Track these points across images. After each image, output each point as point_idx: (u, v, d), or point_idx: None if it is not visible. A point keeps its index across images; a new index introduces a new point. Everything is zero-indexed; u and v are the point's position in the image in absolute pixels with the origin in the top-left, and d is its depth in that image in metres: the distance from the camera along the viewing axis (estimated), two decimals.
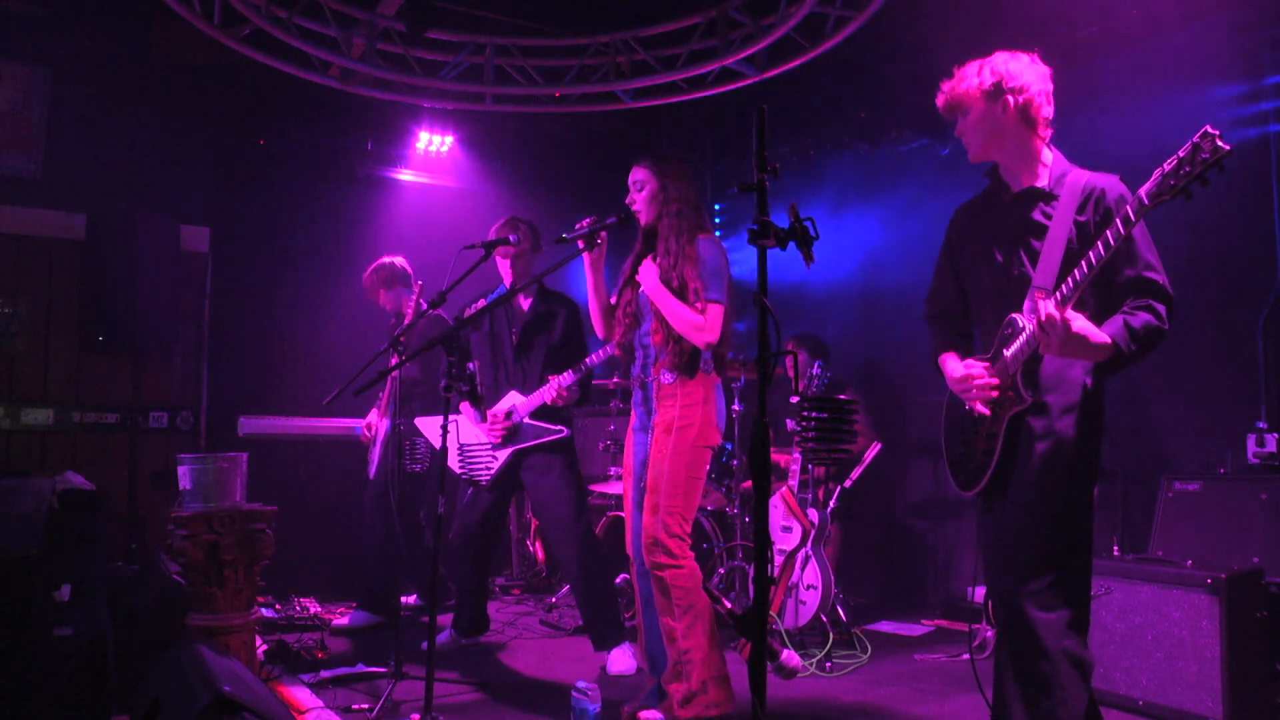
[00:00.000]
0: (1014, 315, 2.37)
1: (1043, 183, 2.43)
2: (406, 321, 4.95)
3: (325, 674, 3.84)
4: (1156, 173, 2.03)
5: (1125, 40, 4.57)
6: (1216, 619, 3.17)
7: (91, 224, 5.10)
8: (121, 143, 5.42)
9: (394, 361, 3.67)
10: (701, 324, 3.14)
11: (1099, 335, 2.18)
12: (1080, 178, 2.38)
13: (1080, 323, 2.15)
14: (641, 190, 3.30)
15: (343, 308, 6.06)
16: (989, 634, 4.17)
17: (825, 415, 4.39)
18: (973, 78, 2.41)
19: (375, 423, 5.14)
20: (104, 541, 3.16)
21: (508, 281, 4.33)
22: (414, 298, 4.96)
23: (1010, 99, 2.39)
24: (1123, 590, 3.46)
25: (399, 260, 5.20)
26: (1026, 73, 2.41)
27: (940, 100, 2.47)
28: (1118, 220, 2.11)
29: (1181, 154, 1.98)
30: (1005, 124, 2.41)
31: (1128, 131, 4.41)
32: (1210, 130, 1.95)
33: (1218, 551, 3.65)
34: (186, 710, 2.11)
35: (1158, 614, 3.34)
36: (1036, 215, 2.41)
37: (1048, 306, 2.16)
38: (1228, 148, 1.94)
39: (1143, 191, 2.06)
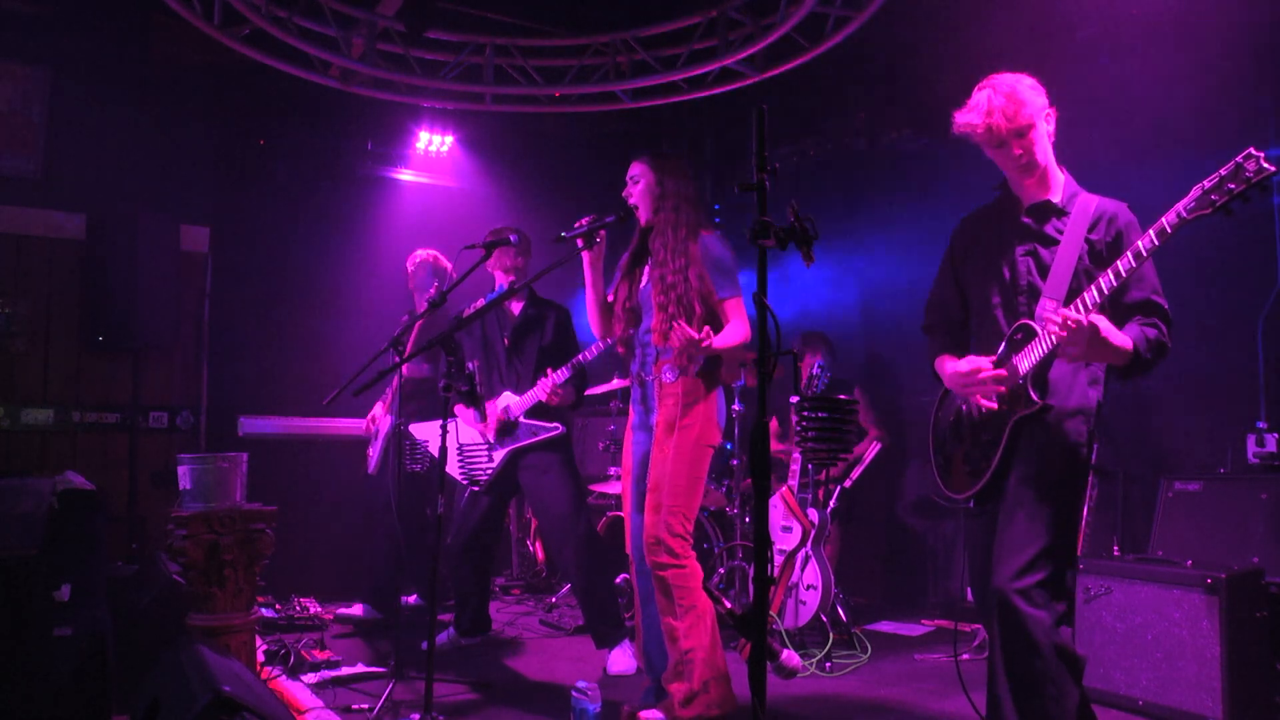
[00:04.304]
0: (1026, 321, 2.41)
1: (1056, 197, 2.48)
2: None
3: (325, 674, 3.84)
4: (1196, 189, 2.08)
5: (1124, 42, 4.56)
6: (1216, 619, 3.17)
7: (91, 224, 5.10)
8: (121, 143, 5.42)
9: (394, 361, 3.67)
10: (744, 333, 3.17)
11: (1121, 339, 2.23)
12: (1091, 201, 2.45)
13: (1106, 325, 2.21)
14: (638, 184, 3.30)
15: (343, 307, 6.06)
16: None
17: (825, 415, 4.38)
18: (1033, 95, 2.43)
19: (379, 417, 5.13)
20: (104, 541, 3.16)
21: (499, 286, 4.34)
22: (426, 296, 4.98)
23: (1051, 115, 2.47)
24: (1123, 590, 3.46)
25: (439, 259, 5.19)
26: (1042, 92, 2.48)
27: (1000, 124, 2.39)
28: (1151, 232, 2.14)
29: (1224, 172, 2.04)
30: (1046, 140, 2.47)
31: (1126, 132, 4.41)
32: (1254, 151, 2.01)
33: (1217, 551, 3.64)
34: (186, 710, 2.11)
35: (1158, 614, 3.34)
36: (1048, 229, 2.47)
37: (1074, 311, 2.21)
38: (1272, 168, 1.99)
39: (1180, 206, 2.10)
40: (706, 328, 3.02)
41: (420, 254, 5.17)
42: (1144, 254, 2.16)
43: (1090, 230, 2.40)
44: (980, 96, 2.43)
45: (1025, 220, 2.50)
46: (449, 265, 5.14)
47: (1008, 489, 2.42)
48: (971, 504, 2.53)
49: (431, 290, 4.97)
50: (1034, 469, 2.37)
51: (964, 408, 2.58)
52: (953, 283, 2.70)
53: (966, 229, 2.70)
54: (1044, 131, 2.45)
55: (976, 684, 2.68)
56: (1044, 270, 2.43)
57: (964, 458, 2.55)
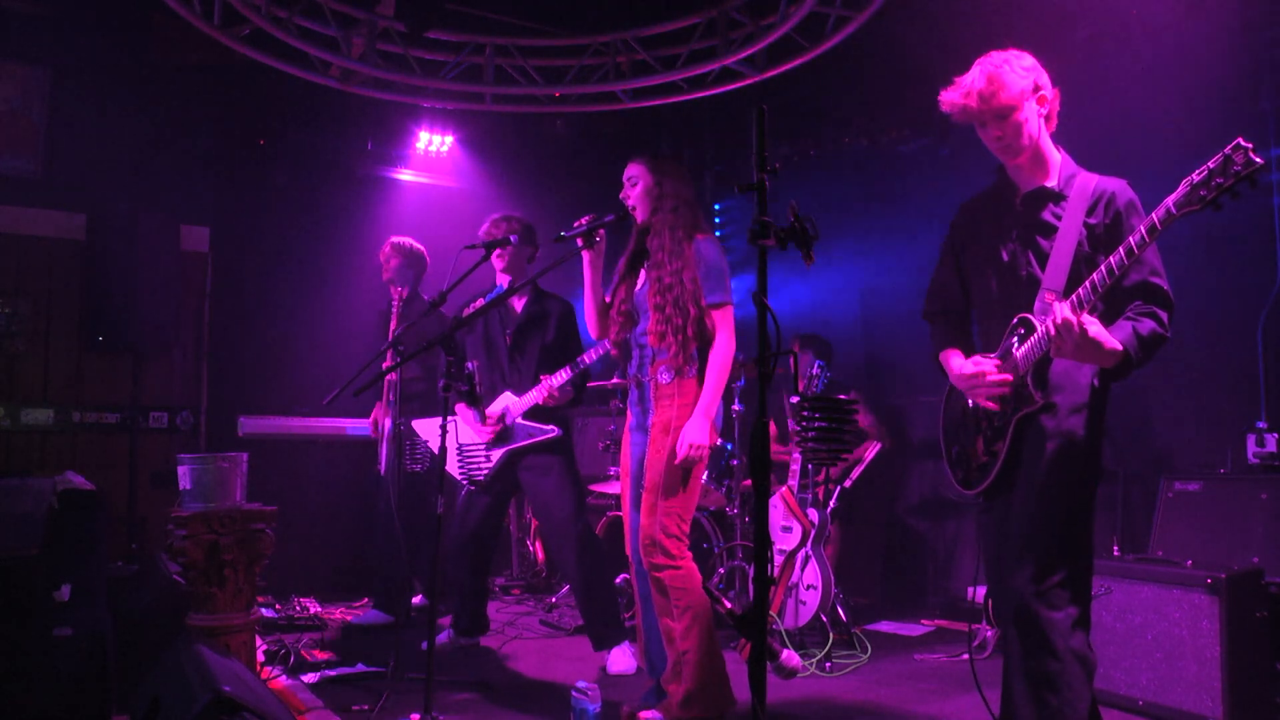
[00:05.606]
0: (1026, 315, 2.36)
1: (1052, 182, 2.42)
2: (395, 308, 4.97)
3: (325, 674, 3.84)
4: (1185, 183, 2.02)
5: (1124, 40, 4.56)
6: (1216, 619, 3.17)
7: (91, 224, 5.10)
8: (121, 143, 5.42)
9: (393, 361, 3.67)
10: (726, 352, 3.17)
11: (1111, 342, 2.19)
12: (1089, 181, 2.39)
13: (1095, 328, 2.16)
14: (635, 185, 3.30)
15: (343, 308, 6.06)
16: (989, 634, 4.17)
17: (826, 415, 4.37)
18: (1018, 78, 2.36)
19: (380, 419, 5.14)
20: (104, 541, 3.16)
21: (502, 281, 4.32)
22: (401, 291, 4.98)
23: (1044, 96, 2.41)
24: (1123, 590, 3.46)
25: (421, 248, 5.21)
26: (1043, 71, 2.42)
27: (974, 104, 2.36)
28: (1142, 228, 2.09)
29: (1212, 165, 1.97)
30: (1037, 123, 2.41)
31: (1126, 132, 4.41)
32: (1243, 143, 1.94)
33: (1218, 551, 3.65)
34: (186, 710, 2.11)
35: (1158, 614, 3.34)
36: (1046, 216, 2.41)
37: (1064, 310, 2.16)
38: (1261, 161, 1.92)
39: (1170, 201, 2.04)
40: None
41: (392, 241, 5.16)
42: (1135, 250, 2.11)
43: (1089, 214, 2.34)
44: (967, 75, 2.41)
45: (1022, 208, 2.45)
46: (423, 249, 5.16)
47: (1017, 487, 2.40)
48: (982, 500, 2.53)
49: (393, 271, 4.97)
50: (1041, 469, 2.33)
51: (970, 403, 2.57)
52: (954, 269, 2.67)
53: (966, 215, 2.66)
54: (1032, 114, 2.38)
55: (975, 683, 2.68)
56: (1043, 259, 2.38)
57: (972, 453, 2.54)
